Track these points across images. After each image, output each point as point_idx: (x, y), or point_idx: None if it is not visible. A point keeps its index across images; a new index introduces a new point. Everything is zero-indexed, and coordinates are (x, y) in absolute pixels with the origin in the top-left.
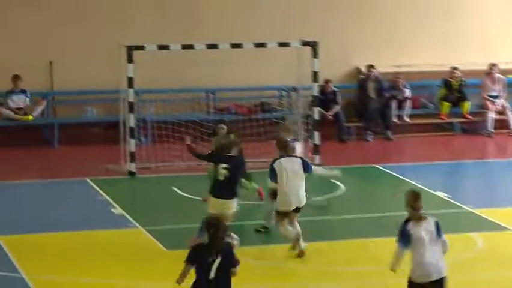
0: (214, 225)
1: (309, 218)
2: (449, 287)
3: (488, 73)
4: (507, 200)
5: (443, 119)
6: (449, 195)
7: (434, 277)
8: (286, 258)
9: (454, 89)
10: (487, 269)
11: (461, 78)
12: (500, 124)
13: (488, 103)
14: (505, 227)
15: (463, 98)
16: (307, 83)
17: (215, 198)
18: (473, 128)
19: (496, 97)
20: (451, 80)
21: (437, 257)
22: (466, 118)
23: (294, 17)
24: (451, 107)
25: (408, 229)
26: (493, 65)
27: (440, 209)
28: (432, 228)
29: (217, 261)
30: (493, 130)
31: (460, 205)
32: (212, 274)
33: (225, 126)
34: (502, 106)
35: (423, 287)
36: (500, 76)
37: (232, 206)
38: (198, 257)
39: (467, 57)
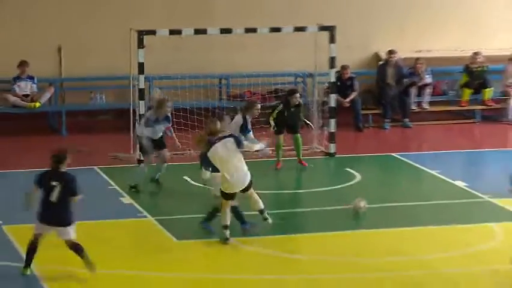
0: (55, 157)
1: (319, 208)
2: (469, 278)
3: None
4: None
5: (463, 106)
6: (468, 185)
7: None
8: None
9: (475, 75)
10: (506, 261)
11: (483, 64)
12: None
13: (511, 90)
14: None
15: (485, 85)
16: (324, 69)
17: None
18: (494, 115)
19: None
20: (472, 66)
21: None
22: (487, 105)
23: (310, 1)
24: (472, 94)
25: None
26: None
27: (459, 198)
28: None
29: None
30: None
31: (479, 194)
32: (53, 198)
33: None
34: None
35: None
36: None
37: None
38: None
39: (491, 41)
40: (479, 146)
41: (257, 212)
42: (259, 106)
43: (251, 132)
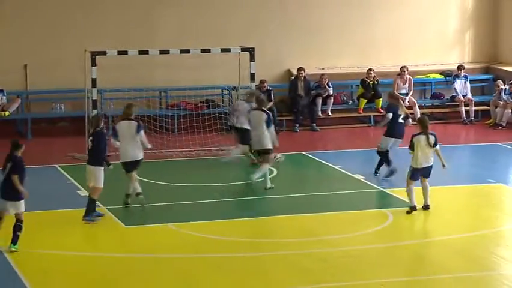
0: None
1: (247, 197)
2: (369, 254)
3: (399, 74)
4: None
5: (360, 113)
6: (365, 178)
7: None
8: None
9: (369, 87)
10: (398, 238)
11: (375, 78)
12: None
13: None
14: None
15: (377, 96)
16: (246, 82)
17: None
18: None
19: (405, 94)
20: (367, 80)
21: None
22: (379, 112)
23: (235, 26)
24: (367, 103)
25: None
26: (404, 67)
27: (357, 189)
28: None
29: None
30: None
31: (374, 185)
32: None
33: None
34: (410, 101)
35: None
36: (409, 76)
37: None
38: None
39: (381, 60)
40: (373, 145)
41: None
42: None
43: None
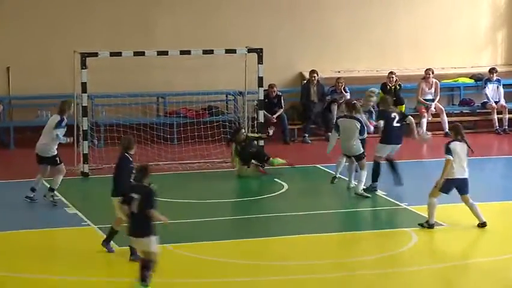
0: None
1: (252, 215)
2: (390, 279)
3: (424, 77)
4: (442, 197)
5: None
6: (386, 193)
7: None
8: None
9: (391, 92)
10: (422, 262)
11: (397, 82)
12: (436, 126)
13: (422, 107)
14: (438, 223)
15: (399, 102)
16: (253, 87)
17: None
18: (408, 129)
19: (431, 100)
20: (388, 84)
21: None
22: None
23: (241, 25)
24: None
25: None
26: (429, 69)
27: (377, 206)
28: None
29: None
30: (428, 133)
31: (396, 202)
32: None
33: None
34: (437, 108)
35: None
36: (435, 80)
37: None
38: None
39: (404, 63)
40: (397, 158)
41: None
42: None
43: None
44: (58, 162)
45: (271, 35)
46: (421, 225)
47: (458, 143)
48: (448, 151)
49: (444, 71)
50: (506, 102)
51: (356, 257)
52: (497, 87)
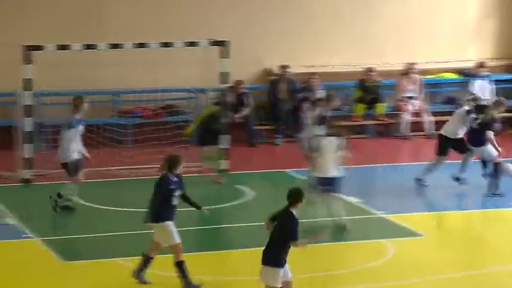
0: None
1: (214, 225)
2: None
3: (405, 73)
4: (421, 205)
5: (357, 121)
6: (361, 201)
7: None
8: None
9: (369, 90)
10: (400, 276)
11: (376, 78)
12: (418, 126)
13: (404, 105)
14: (416, 233)
15: (378, 100)
16: (216, 84)
17: None
18: (388, 130)
19: (413, 98)
20: (366, 81)
21: None
22: (380, 120)
23: (204, 17)
24: (366, 108)
25: None
26: (411, 64)
27: (350, 215)
28: None
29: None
30: (408, 132)
31: (372, 210)
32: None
33: None
34: (419, 107)
35: None
36: (417, 76)
37: None
38: None
39: (384, 57)
40: (372, 161)
41: None
42: None
43: None
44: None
45: (236, 27)
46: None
47: (329, 138)
48: (314, 147)
49: (428, 65)
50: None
51: (325, 271)
52: (485, 83)
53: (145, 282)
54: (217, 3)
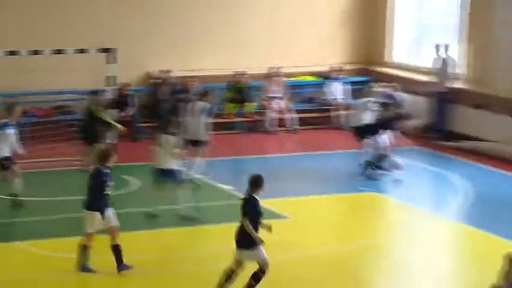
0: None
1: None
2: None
3: (271, 76)
4: (286, 191)
5: (229, 118)
6: (234, 188)
7: None
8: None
9: (239, 91)
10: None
11: (246, 81)
12: (282, 122)
13: (270, 104)
14: (282, 215)
15: (247, 99)
16: (105, 86)
17: None
18: (256, 126)
19: (277, 98)
20: (236, 82)
21: None
22: (249, 117)
23: (93, 26)
24: (237, 107)
25: None
26: (275, 68)
27: (225, 200)
28: None
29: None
30: (274, 128)
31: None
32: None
33: None
34: (283, 106)
35: None
36: (281, 79)
37: None
38: None
39: (252, 62)
40: (243, 153)
41: None
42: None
43: None
44: None
45: (122, 35)
46: None
47: (166, 135)
48: (157, 143)
49: (290, 69)
50: (348, 99)
51: (198, 249)
52: (340, 85)
53: (93, 271)
54: (106, 14)
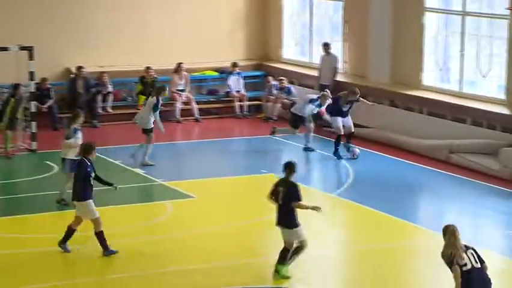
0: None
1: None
2: (145, 246)
3: (176, 71)
4: (192, 173)
5: (139, 109)
6: (145, 171)
7: None
8: None
9: (148, 84)
10: (178, 229)
11: (154, 75)
12: (187, 112)
13: (176, 96)
14: (189, 195)
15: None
16: (26, 81)
17: None
18: (164, 116)
19: (182, 90)
20: (145, 77)
21: None
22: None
23: (16, 26)
24: (146, 99)
25: None
26: (180, 63)
27: (138, 183)
28: None
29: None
30: (180, 117)
31: (154, 179)
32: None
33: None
34: (187, 98)
35: None
36: (185, 73)
37: None
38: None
39: (159, 58)
40: (153, 140)
41: None
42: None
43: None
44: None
45: (42, 34)
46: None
47: (71, 127)
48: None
49: (193, 65)
50: (245, 91)
51: (123, 226)
52: (238, 78)
53: (68, 251)
54: (27, 15)
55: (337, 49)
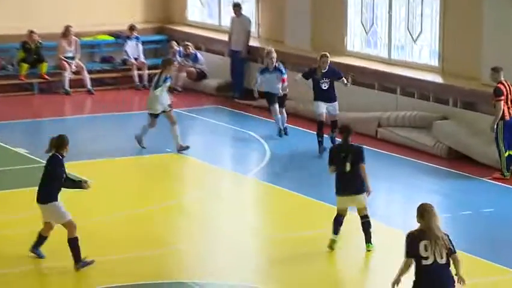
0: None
1: None
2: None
3: (64, 35)
4: (86, 153)
5: (22, 80)
6: (28, 151)
7: None
8: None
9: (32, 51)
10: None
11: (38, 40)
12: (78, 83)
13: (65, 64)
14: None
15: (40, 60)
16: None
17: None
18: (51, 87)
19: (72, 58)
20: (28, 42)
21: None
22: (43, 78)
23: None
24: (29, 68)
25: None
26: (68, 26)
27: (19, 164)
28: None
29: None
30: (70, 89)
31: (40, 160)
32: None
33: None
34: (78, 66)
35: None
36: (75, 38)
37: None
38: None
39: (44, 21)
40: (38, 115)
41: None
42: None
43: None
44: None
45: None
46: None
47: None
48: None
49: (84, 28)
50: (145, 58)
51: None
52: (136, 44)
53: (41, 256)
54: None
55: (249, 10)
